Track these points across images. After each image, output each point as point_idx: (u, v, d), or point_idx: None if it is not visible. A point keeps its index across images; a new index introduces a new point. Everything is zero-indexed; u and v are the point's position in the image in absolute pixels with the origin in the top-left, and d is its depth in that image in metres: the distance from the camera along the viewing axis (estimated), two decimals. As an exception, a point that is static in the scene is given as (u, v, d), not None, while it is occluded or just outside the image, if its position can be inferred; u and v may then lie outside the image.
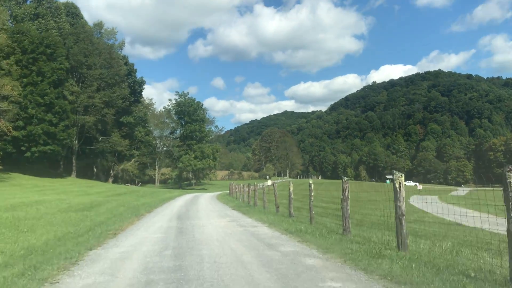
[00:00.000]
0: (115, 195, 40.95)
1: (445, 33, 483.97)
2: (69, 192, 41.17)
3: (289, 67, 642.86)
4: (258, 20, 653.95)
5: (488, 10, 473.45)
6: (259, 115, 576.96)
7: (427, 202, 28.70)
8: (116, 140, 73.25)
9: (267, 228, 11.21)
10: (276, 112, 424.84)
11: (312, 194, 12.24)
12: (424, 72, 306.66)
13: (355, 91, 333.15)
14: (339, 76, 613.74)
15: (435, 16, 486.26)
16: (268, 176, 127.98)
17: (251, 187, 26.54)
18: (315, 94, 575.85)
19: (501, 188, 4.48)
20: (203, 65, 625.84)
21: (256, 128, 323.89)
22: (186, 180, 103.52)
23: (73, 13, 78.20)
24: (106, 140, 73.27)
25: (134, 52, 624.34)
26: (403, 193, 6.93)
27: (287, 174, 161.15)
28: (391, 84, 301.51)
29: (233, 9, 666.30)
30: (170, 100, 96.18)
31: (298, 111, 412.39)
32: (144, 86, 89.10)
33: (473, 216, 19.83)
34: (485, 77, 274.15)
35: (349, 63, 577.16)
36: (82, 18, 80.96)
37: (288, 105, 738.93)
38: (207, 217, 15.94)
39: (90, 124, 68.49)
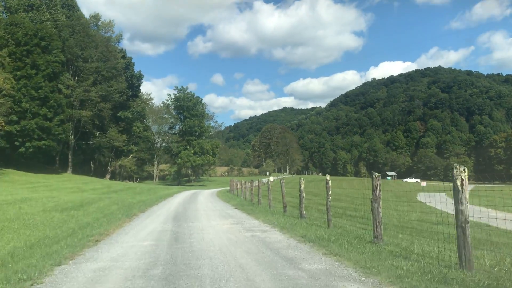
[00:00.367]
0: (111, 192, 39.34)
1: (444, 30, 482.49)
2: (62, 189, 39.54)
3: (288, 63, 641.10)
4: (257, 17, 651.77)
5: (487, 7, 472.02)
6: (259, 112, 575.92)
7: (439, 199, 26.96)
8: (113, 135, 71.44)
9: (279, 233, 9.53)
10: (275, 108, 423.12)
11: (330, 192, 10.54)
12: (424, 68, 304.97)
13: (354, 88, 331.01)
14: (338, 72, 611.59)
15: (434, 13, 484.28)
16: (268, 172, 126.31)
17: (254, 183, 24.90)
18: (314, 90, 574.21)
19: (503, 185, 2.82)
20: (202, 62, 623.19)
21: (255, 124, 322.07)
22: (185, 176, 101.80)
23: (69, 5, 76.07)
24: (103, 135, 71.48)
25: (134, 48, 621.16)
26: (467, 194, 5.26)
27: (287, 171, 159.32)
28: (390, 81, 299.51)
29: (232, 6, 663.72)
30: (169, 95, 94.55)
31: (297, 108, 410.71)
32: (142, 80, 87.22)
33: (496, 216, 18.17)
34: (485, 74, 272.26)
35: (348, 60, 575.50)
36: (79, 10, 78.92)
37: (287, 102, 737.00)
38: (207, 218, 14.40)
39: (86, 119, 66.67)
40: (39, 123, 55.06)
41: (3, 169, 50.55)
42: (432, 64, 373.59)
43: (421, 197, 35.54)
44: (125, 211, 17.02)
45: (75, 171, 69.53)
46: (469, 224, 5.25)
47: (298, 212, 15.65)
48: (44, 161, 65.75)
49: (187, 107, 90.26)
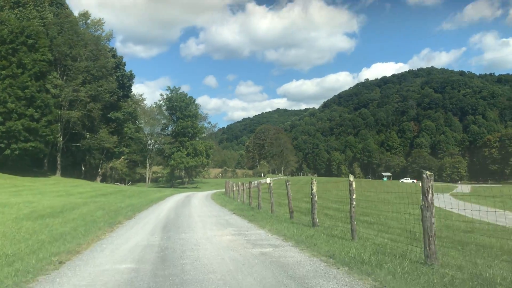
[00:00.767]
0: (100, 195, 37.24)
1: (436, 31, 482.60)
2: (47, 193, 37.39)
3: (281, 65, 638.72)
4: (250, 19, 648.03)
5: (478, 8, 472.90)
6: (252, 113, 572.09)
7: (449, 201, 25.12)
8: (104, 137, 69.17)
9: (295, 250, 7.59)
10: (268, 110, 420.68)
11: (354, 196, 8.65)
12: (417, 69, 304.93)
13: (347, 89, 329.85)
14: (331, 74, 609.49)
15: (426, 14, 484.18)
16: (263, 174, 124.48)
17: (253, 184, 23.00)
18: (307, 92, 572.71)
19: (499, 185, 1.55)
20: (195, 64, 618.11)
21: (248, 126, 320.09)
22: (179, 178, 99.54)
23: (58, 2, 73.66)
24: (93, 136, 69.16)
25: (127, 50, 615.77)
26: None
27: (282, 172, 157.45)
28: (383, 81, 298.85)
29: (225, 8, 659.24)
30: (161, 95, 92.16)
31: (290, 109, 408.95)
32: (133, 80, 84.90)
33: None
34: (477, 74, 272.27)
35: (340, 61, 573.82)
36: (67, 8, 76.56)
37: (281, 103, 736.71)
38: (202, 227, 12.50)
39: (75, 120, 64.35)
40: (25, 124, 52.91)
41: (-12, 172, 48.36)
42: (424, 65, 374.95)
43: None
44: (110, 217, 15.04)
45: (64, 174, 67.23)
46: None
47: (307, 218, 13.79)
48: (31, 164, 63.43)
49: (179, 108, 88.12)
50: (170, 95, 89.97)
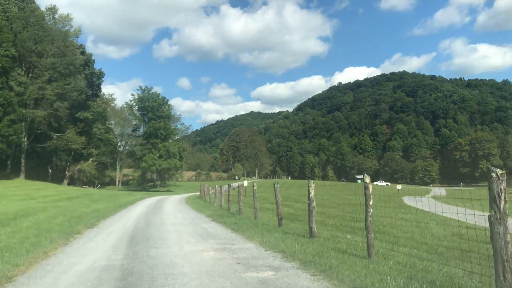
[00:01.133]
0: (65, 199, 34.66)
1: (407, 36, 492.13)
2: (8, 197, 34.65)
3: (255, 68, 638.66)
4: (224, 21, 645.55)
5: (448, 14, 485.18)
6: (225, 116, 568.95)
7: (440, 206, 23.68)
8: (71, 137, 65.94)
9: (305, 274, 5.74)
10: (242, 112, 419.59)
11: (371, 202, 6.98)
12: (389, 73, 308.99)
13: (321, 92, 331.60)
14: (305, 77, 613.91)
15: (397, 20, 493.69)
16: (237, 177, 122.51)
17: (232, 187, 21.14)
18: (281, 95, 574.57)
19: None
20: (168, 65, 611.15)
21: (222, 128, 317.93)
22: (150, 181, 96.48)
23: (23, -4, 70.09)
24: (60, 137, 65.84)
25: (98, 51, 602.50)
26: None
27: (256, 175, 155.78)
28: (356, 85, 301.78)
29: (199, 9, 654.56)
30: (132, 95, 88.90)
31: (264, 112, 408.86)
32: (103, 79, 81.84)
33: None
34: (448, 78, 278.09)
35: (314, 65, 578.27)
36: (34, 2, 72.81)
37: (255, 106, 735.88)
38: (178, 239, 10.55)
39: (41, 119, 61.14)
40: (-15, 123, 49.70)
41: None
42: (396, 69, 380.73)
43: (411, 201, 32.61)
44: (69, 226, 12.93)
45: (29, 177, 63.72)
46: None
47: (297, 226, 12.07)
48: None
49: (152, 108, 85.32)
50: (142, 95, 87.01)
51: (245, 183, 41.49)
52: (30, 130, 63.35)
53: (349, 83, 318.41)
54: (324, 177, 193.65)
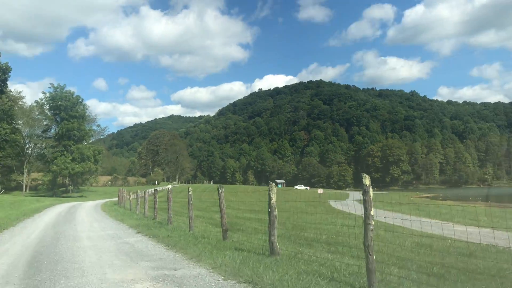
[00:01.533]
0: (-41, 206, 30.44)
1: (323, 46, 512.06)
2: None
3: (175, 71, 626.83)
4: (144, 22, 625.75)
5: (361, 27, 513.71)
6: (144, 119, 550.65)
7: (359, 209, 23.51)
8: (-30, 138, 59.25)
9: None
10: (162, 116, 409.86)
11: (372, 212, 5.50)
12: (307, 81, 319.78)
13: (242, 98, 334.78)
14: (226, 83, 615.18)
15: (314, 31, 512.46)
16: (157, 182, 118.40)
17: (160, 189, 19.39)
18: (202, 99, 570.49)
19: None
20: (84, 65, 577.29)
21: (140, 132, 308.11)
22: (62, 186, 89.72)
23: None
24: (-44, 137, 58.91)
25: (7, 48, 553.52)
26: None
27: (177, 179, 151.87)
28: (276, 92, 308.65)
29: (118, 9, 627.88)
30: (44, 93, 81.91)
31: (185, 116, 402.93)
32: (9, 74, 74.33)
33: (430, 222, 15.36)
34: (361, 88, 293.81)
35: (235, 71, 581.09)
36: None
37: (175, 110, 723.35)
38: (97, 261, 8.19)
39: None
40: None
41: None
42: (313, 78, 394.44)
43: (338, 205, 32.77)
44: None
45: None
46: None
47: (246, 239, 10.70)
48: None
49: (64, 107, 79.33)
50: (54, 93, 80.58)
51: (170, 187, 39.30)
52: None
53: (269, 89, 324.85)
54: (245, 182, 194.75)
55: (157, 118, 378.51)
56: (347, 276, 6.10)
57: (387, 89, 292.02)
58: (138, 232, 13.61)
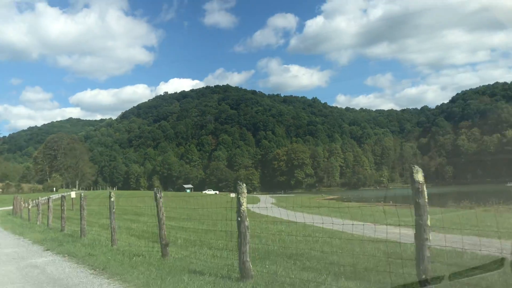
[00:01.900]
0: None
1: (229, 52, 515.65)
2: None
3: (75, 72, 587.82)
4: (40, 20, 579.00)
5: (265, 35, 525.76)
6: (40, 122, 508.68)
7: (293, 215, 23.33)
8: None
9: None
10: (59, 119, 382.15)
11: (428, 221, 4.33)
12: (214, 86, 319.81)
13: (146, 101, 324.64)
14: (129, 85, 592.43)
15: (220, 36, 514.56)
16: (55, 188, 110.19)
17: (70, 195, 17.62)
18: (103, 102, 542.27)
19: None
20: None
21: (36, 135, 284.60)
22: None
23: None
24: None
25: None
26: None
27: (77, 186, 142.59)
28: (182, 95, 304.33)
29: (10, 4, 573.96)
30: None
31: (84, 119, 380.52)
32: None
33: (353, 224, 15.50)
34: (266, 94, 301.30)
35: (139, 74, 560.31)
36: None
37: (74, 112, 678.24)
38: None
39: None
40: None
41: None
42: (219, 83, 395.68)
43: (256, 209, 32.72)
44: None
45: None
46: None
47: (191, 255, 9.01)
48: None
49: None
50: None
51: (73, 194, 36.20)
52: None
53: (175, 93, 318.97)
54: (150, 187, 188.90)
55: (55, 121, 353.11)
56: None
57: (291, 95, 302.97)
58: (47, 250, 11.31)
